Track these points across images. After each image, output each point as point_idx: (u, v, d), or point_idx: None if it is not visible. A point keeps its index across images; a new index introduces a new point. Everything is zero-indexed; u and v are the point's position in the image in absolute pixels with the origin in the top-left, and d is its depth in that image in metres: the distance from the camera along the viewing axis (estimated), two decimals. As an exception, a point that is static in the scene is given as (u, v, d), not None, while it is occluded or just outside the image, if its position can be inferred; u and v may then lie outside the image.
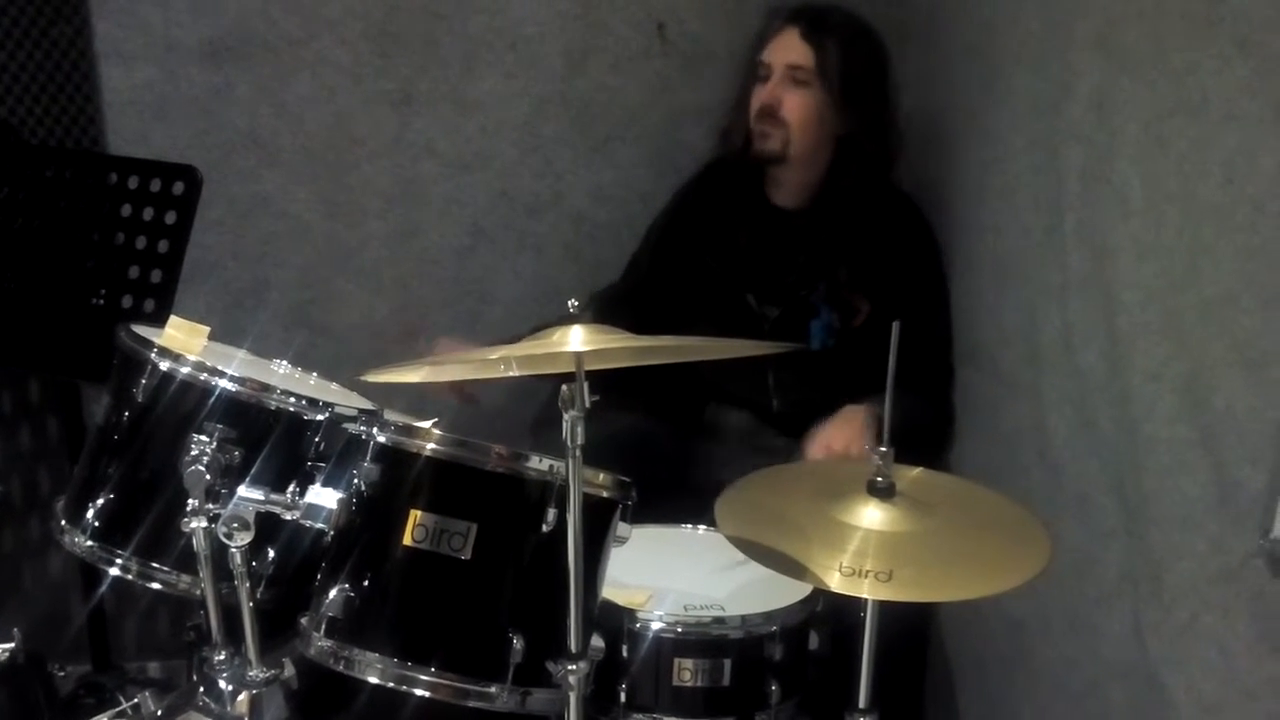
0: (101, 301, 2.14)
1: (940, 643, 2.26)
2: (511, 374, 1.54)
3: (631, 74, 2.57)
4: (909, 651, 2.13)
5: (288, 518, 1.51)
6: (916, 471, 1.53)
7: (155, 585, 1.63)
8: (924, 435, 2.04)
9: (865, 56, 2.23)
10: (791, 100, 2.19)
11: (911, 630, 2.13)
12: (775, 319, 2.25)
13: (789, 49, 2.20)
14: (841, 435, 1.98)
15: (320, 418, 1.65)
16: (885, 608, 1.44)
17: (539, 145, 2.59)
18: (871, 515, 1.43)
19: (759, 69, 2.23)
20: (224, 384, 1.60)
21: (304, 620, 1.53)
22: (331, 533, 1.51)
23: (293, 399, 1.64)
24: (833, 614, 1.69)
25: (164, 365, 1.61)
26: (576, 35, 2.54)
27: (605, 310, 1.45)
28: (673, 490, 1.96)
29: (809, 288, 2.24)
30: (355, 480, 1.50)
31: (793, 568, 1.40)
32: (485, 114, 2.56)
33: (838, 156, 2.23)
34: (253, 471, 1.57)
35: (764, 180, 2.30)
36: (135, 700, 1.68)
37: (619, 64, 2.57)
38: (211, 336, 1.75)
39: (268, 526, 1.52)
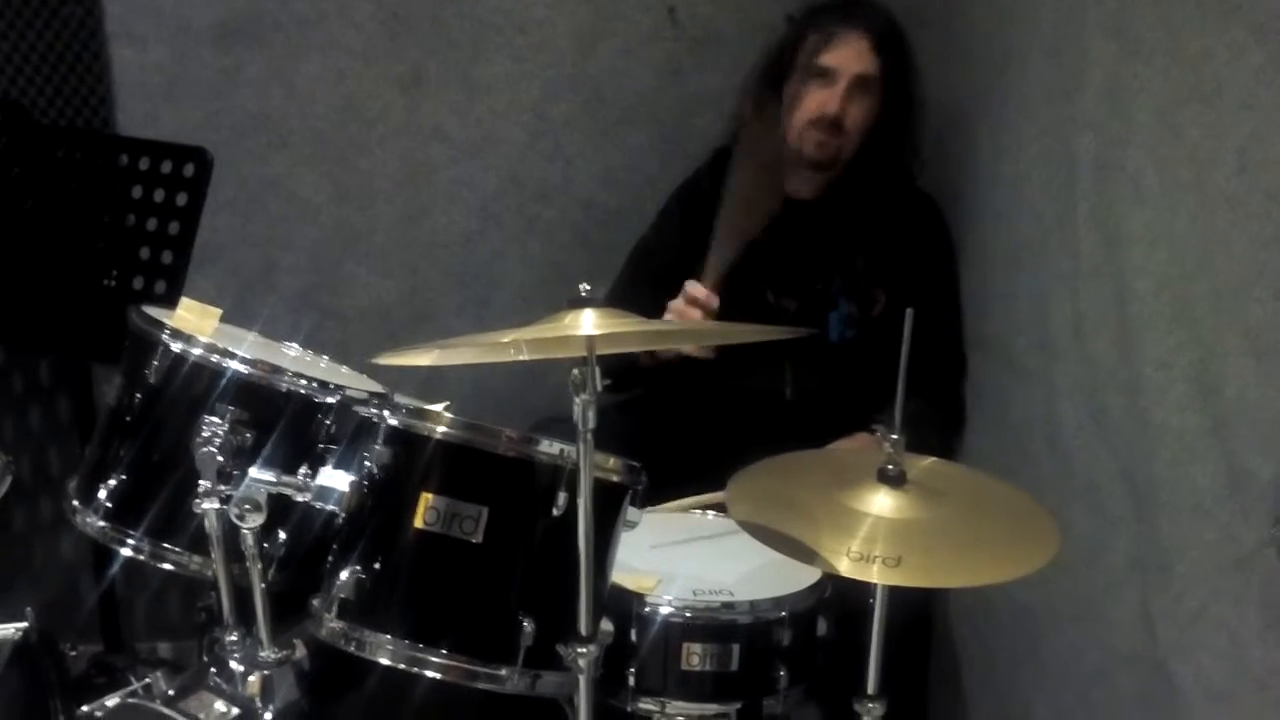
0: (112, 283, 2.15)
1: (946, 629, 2.26)
2: (522, 358, 1.54)
3: (642, 58, 2.57)
4: (913, 638, 2.13)
5: (299, 499, 1.51)
6: (928, 460, 1.53)
7: (167, 566, 1.64)
8: (934, 438, 2.03)
9: (912, 64, 2.21)
10: (855, 111, 2.16)
11: (916, 616, 2.13)
12: (794, 312, 2.24)
13: (861, 59, 2.14)
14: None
15: (331, 400, 1.65)
16: (892, 594, 1.45)
17: (548, 129, 2.58)
18: (882, 502, 1.43)
19: (816, 70, 2.16)
20: (235, 366, 1.61)
21: (315, 602, 1.53)
22: (343, 515, 1.52)
23: (303, 381, 1.64)
24: (838, 600, 1.70)
25: (176, 346, 1.62)
26: (586, 18, 2.54)
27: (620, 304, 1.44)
28: (682, 474, 1.97)
29: (826, 280, 2.23)
30: (367, 463, 1.51)
31: (802, 552, 1.40)
32: (495, 97, 2.56)
33: (860, 152, 2.21)
34: (264, 453, 1.57)
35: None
36: (147, 680, 1.68)
37: (629, 48, 2.56)
38: (221, 319, 1.76)
39: (279, 508, 1.52)
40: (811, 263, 2.24)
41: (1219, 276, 1.46)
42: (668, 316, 2.05)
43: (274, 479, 1.49)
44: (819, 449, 1.99)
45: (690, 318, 2.02)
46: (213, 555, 1.54)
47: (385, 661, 1.46)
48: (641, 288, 2.28)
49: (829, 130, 2.16)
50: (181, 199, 2.13)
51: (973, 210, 2.21)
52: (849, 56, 2.14)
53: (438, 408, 1.53)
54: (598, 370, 1.32)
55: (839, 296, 2.23)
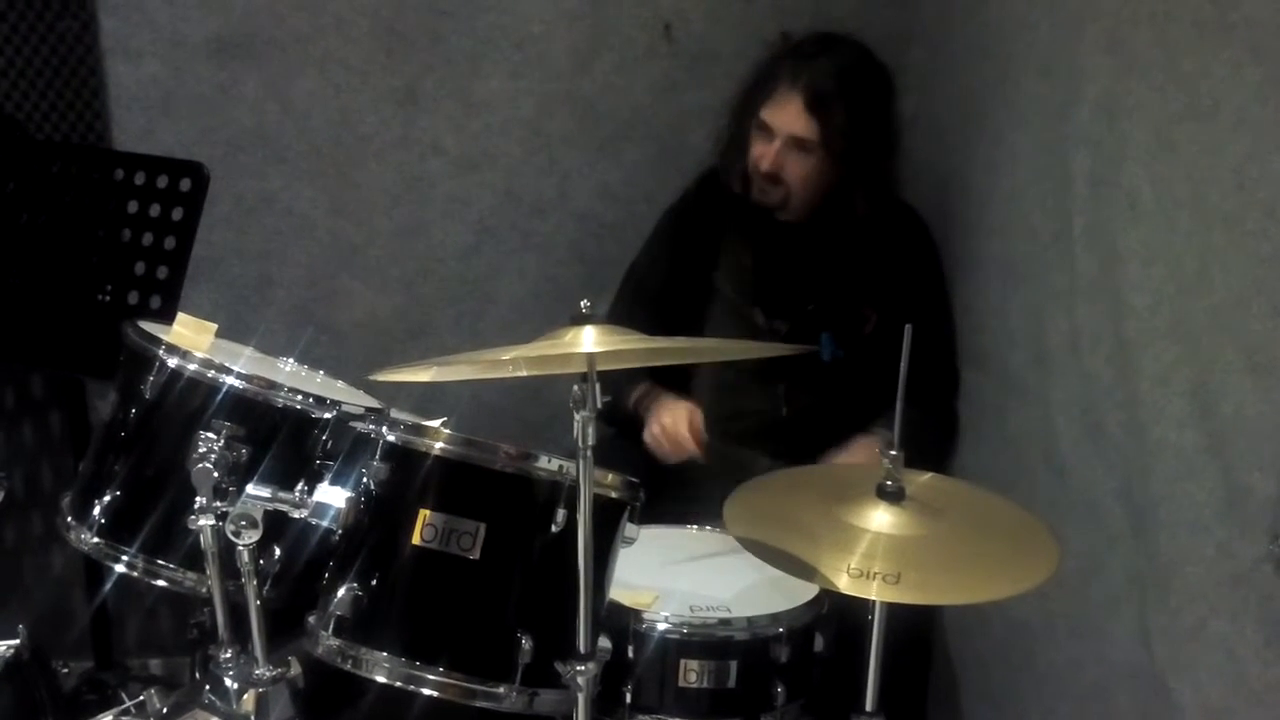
0: (107, 298, 2.13)
1: (944, 645, 2.26)
2: (520, 374, 1.54)
3: (637, 74, 2.57)
4: (912, 654, 2.13)
5: (296, 516, 1.51)
6: (926, 476, 1.53)
7: (161, 582, 1.64)
8: (930, 449, 2.03)
9: (870, 99, 2.15)
10: (794, 167, 2.12)
11: (915, 633, 2.13)
12: (785, 333, 2.23)
13: (793, 120, 2.10)
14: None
15: (327, 416, 1.65)
16: (890, 610, 1.44)
17: (545, 144, 2.59)
18: (881, 518, 1.43)
19: (757, 122, 2.14)
20: (231, 381, 1.60)
21: (312, 619, 1.53)
22: (339, 531, 1.51)
23: (299, 396, 1.64)
24: (836, 616, 1.70)
25: (172, 362, 1.62)
26: (583, 35, 2.54)
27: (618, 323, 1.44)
28: (678, 493, 1.96)
29: (817, 300, 2.23)
30: (364, 479, 1.50)
31: (801, 569, 1.40)
32: (491, 113, 2.56)
33: (840, 182, 2.17)
34: (260, 469, 1.57)
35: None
36: (141, 698, 1.67)
37: (625, 64, 2.57)
38: (217, 334, 1.75)
39: (275, 524, 1.51)
40: (801, 284, 2.24)
41: (1216, 293, 1.47)
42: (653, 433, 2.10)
43: (270, 495, 1.49)
44: (817, 463, 1.99)
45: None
46: (208, 572, 1.54)
47: (382, 679, 1.45)
48: (637, 308, 2.29)
49: (768, 180, 2.14)
50: (177, 214, 2.12)
51: (968, 226, 2.22)
52: (783, 117, 2.11)
53: (435, 423, 1.53)
54: (598, 387, 1.32)
55: (830, 316, 2.23)
